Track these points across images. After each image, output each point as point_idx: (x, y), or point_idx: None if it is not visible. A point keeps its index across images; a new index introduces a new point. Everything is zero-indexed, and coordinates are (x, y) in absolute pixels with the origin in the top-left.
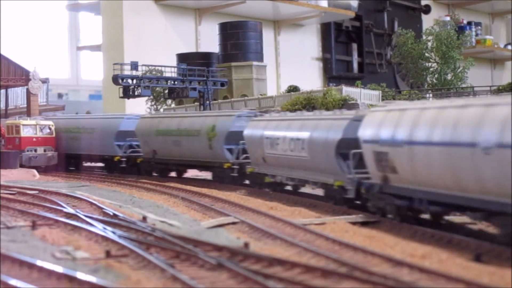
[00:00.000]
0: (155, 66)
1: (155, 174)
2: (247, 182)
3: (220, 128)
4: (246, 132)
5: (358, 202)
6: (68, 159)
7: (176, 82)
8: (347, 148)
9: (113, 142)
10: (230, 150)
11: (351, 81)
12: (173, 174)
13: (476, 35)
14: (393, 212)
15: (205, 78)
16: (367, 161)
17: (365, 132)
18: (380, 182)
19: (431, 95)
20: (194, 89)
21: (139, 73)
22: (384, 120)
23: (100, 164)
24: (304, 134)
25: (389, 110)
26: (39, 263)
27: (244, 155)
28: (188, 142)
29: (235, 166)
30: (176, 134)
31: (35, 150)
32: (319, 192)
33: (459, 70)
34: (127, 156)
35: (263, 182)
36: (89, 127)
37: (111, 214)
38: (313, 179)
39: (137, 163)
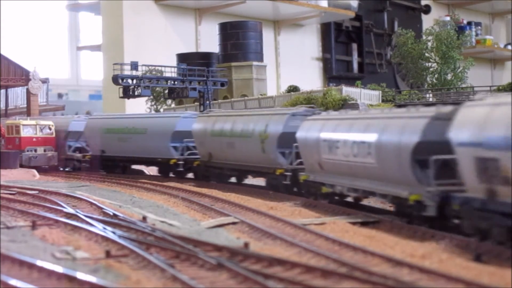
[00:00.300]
0: (155, 66)
1: (213, 181)
2: (296, 191)
3: (272, 129)
4: (300, 133)
5: (441, 220)
6: (114, 162)
7: (176, 82)
8: (427, 153)
9: (168, 143)
10: (283, 154)
11: (351, 81)
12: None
13: (476, 35)
14: (502, 236)
15: (205, 78)
16: (464, 170)
17: (460, 132)
18: (484, 196)
19: (431, 95)
20: (194, 89)
21: (139, 73)
22: (490, 117)
23: (153, 168)
24: (371, 137)
25: (497, 104)
26: (39, 263)
27: (299, 160)
28: (242, 144)
29: (287, 173)
30: (230, 135)
31: (35, 150)
32: (387, 206)
33: (459, 70)
34: (184, 159)
35: (319, 193)
36: (141, 127)
37: (111, 214)
38: (381, 190)
39: (193, 167)
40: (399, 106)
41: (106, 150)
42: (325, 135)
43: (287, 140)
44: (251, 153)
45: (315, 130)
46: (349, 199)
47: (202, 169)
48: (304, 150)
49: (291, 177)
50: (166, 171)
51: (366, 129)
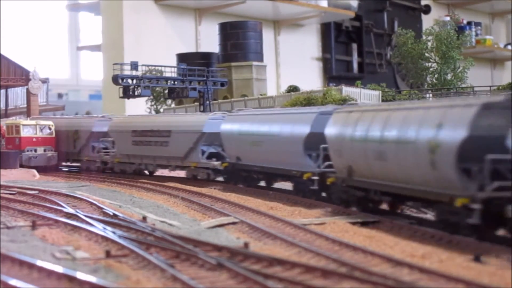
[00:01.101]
0: (155, 66)
1: (354, 207)
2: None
3: (448, 132)
4: None
5: None
6: (250, 172)
7: (176, 82)
8: None
9: (301, 151)
10: (467, 172)
11: (351, 81)
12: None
13: (476, 35)
14: None
15: (205, 78)
16: None
17: None
18: None
19: (431, 95)
20: (194, 89)
21: (139, 73)
22: None
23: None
24: None
25: None
26: (39, 263)
27: (497, 184)
28: (398, 155)
29: (475, 206)
30: (380, 141)
31: (35, 150)
32: None
33: (459, 70)
34: (321, 173)
35: None
36: (274, 127)
37: (111, 214)
38: None
39: (328, 186)
40: None
41: (241, 157)
42: None
43: (476, 149)
44: (412, 170)
45: None
46: None
47: (338, 190)
48: None
49: (482, 213)
50: (300, 189)
51: None
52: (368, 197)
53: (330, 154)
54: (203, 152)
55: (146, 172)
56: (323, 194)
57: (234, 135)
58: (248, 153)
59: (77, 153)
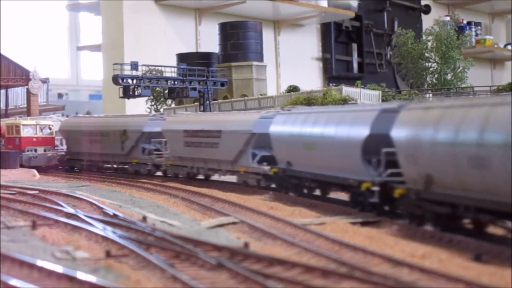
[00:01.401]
0: (155, 66)
1: (429, 225)
2: None
3: None
4: None
5: None
6: (301, 180)
7: (176, 82)
8: None
9: (358, 156)
10: None
11: (351, 81)
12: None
13: (476, 35)
14: None
15: (205, 78)
16: None
17: None
18: None
19: (431, 95)
20: (194, 89)
21: (139, 73)
22: None
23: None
24: None
25: None
26: (39, 263)
27: None
28: (504, 162)
29: None
30: (475, 145)
31: (35, 150)
32: None
33: (459, 70)
34: (383, 183)
35: None
36: (328, 128)
37: (111, 214)
38: None
39: (394, 199)
40: None
41: (292, 161)
42: None
43: None
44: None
45: None
46: None
47: (410, 205)
48: None
49: None
50: (359, 202)
51: None
52: (455, 214)
53: (400, 160)
54: (254, 156)
55: (201, 176)
56: (386, 208)
57: (284, 136)
58: (300, 157)
59: (125, 155)
